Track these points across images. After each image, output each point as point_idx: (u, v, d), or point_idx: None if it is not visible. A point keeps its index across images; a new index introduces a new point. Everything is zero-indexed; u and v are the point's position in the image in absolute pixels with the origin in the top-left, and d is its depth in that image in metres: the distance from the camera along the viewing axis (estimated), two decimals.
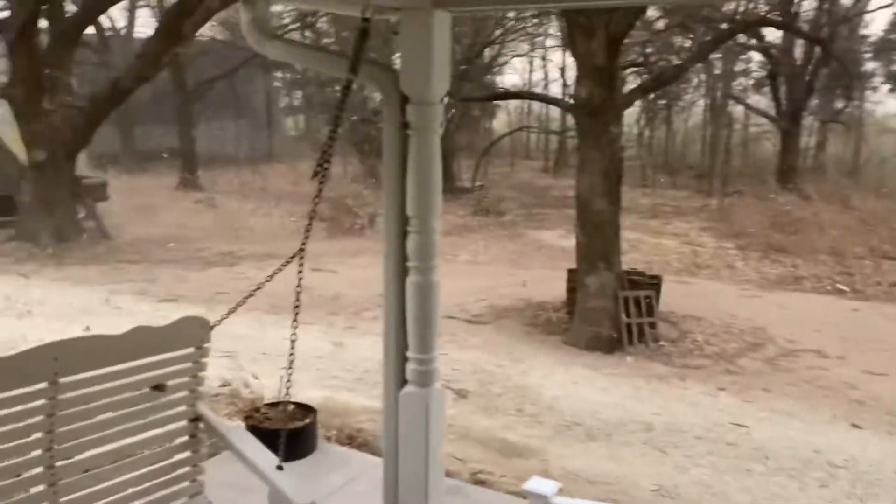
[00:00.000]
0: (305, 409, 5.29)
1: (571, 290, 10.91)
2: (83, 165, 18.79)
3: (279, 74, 31.25)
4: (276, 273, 3.05)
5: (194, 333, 3.04)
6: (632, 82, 17.76)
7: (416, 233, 2.78)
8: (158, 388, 2.93)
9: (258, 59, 22.45)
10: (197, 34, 17.92)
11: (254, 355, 8.07)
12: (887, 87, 25.90)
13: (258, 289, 3.13)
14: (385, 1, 2.40)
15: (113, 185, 20.09)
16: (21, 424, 2.58)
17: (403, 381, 2.93)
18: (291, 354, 2.88)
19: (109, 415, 2.81)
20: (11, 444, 2.56)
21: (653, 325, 10.40)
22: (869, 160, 25.90)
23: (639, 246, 16.44)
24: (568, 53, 22.41)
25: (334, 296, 11.72)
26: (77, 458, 2.74)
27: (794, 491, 6.15)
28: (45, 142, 15.37)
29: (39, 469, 2.64)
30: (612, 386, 8.71)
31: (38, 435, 2.62)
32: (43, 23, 16.31)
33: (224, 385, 6.93)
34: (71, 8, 17.88)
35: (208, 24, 19.28)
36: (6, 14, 16.86)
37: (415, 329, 2.84)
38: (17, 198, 16.06)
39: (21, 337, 8.49)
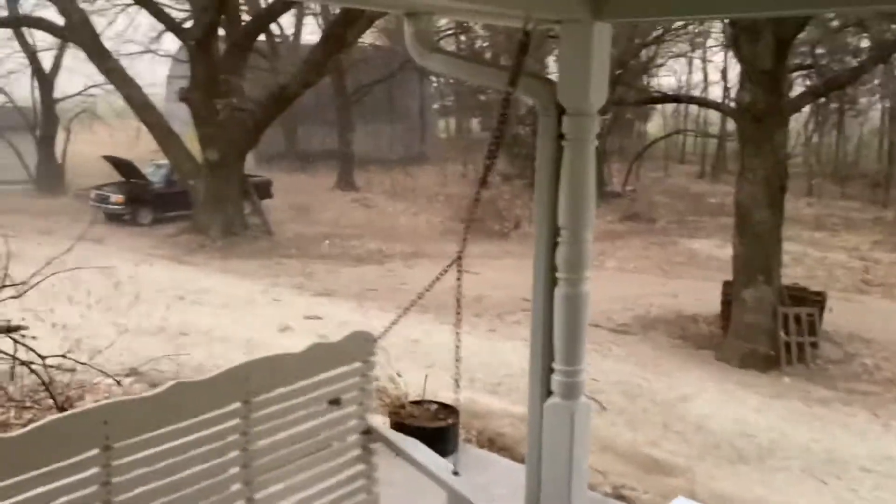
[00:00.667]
0: (448, 410, 5.38)
1: (726, 303, 10.43)
2: (250, 164, 20.09)
3: (434, 79, 31.93)
4: (435, 282, 3.11)
5: (362, 347, 3.09)
6: (800, 85, 16.71)
7: (567, 244, 2.76)
8: (335, 402, 2.97)
9: (414, 63, 23.06)
10: (358, 41, 18.68)
11: (399, 353, 8.30)
12: None
13: (417, 300, 3.18)
14: (545, 14, 2.41)
15: (276, 184, 21.34)
16: (220, 444, 2.65)
17: (549, 392, 2.92)
18: (458, 361, 2.91)
19: (295, 430, 2.86)
20: (208, 465, 2.62)
21: (815, 345, 9.75)
22: None
23: (802, 259, 15.45)
24: (731, 54, 21.41)
25: (477, 297, 11.83)
26: (269, 474, 2.79)
27: None
28: (218, 142, 16.54)
29: (237, 486, 2.70)
30: (766, 407, 8.24)
31: (236, 453, 2.68)
32: (220, 31, 17.56)
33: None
34: (246, 17, 19.16)
35: (369, 31, 20.03)
36: (189, 24, 18.33)
37: (562, 340, 2.83)
38: (191, 193, 17.37)
39: (191, 323, 9.21)
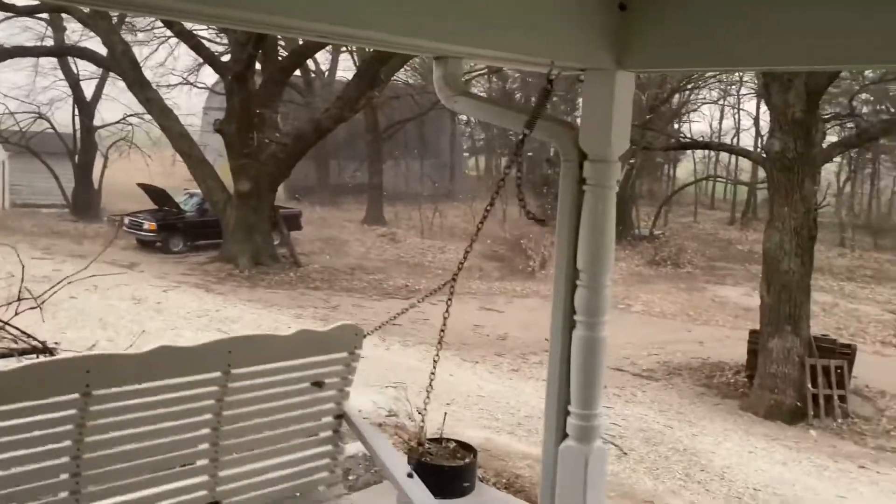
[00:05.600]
0: (466, 448, 5.36)
1: (752, 352, 10.29)
2: (280, 197, 20.35)
3: (464, 118, 32.27)
4: (428, 296, 3.41)
5: (349, 339, 3.33)
6: (833, 134, 16.63)
7: (586, 287, 2.78)
8: (318, 384, 3.24)
9: None
10: (392, 79, 18.96)
11: (420, 389, 8.30)
12: None
13: (410, 308, 3.39)
14: (570, 62, 2.46)
15: (306, 216, 21.58)
16: (194, 406, 2.91)
17: (564, 435, 2.91)
18: (430, 388, 3.14)
19: (272, 404, 3.14)
20: (180, 422, 2.88)
21: (843, 399, 9.55)
22: None
23: (832, 311, 15.21)
24: (762, 102, 21.38)
25: (502, 336, 11.81)
26: (237, 440, 3.07)
27: None
28: (250, 174, 16.82)
29: (205, 445, 2.97)
30: (791, 460, 8.07)
31: (208, 416, 2.95)
32: (257, 65, 17.97)
33: (390, 415, 7.17)
34: (283, 52, 19.59)
35: (402, 70, 20.35)
36: (227, 57, 18.80)
37: (579, 384, 2.83)
38: (223, 223, 17.64)
39: None
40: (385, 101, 24.62)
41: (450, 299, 2.88)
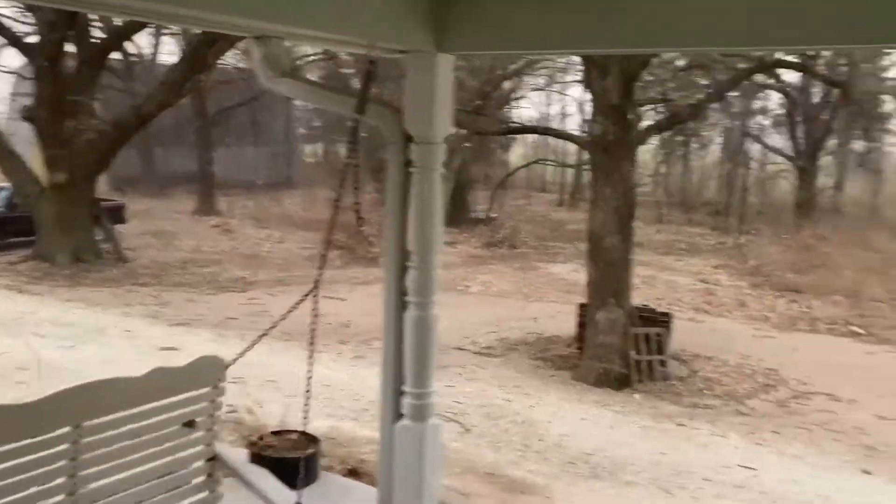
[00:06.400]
0: (309, 439, 5.30)
1: (582, 325, 10.88)
2: (102, 188, 19.05)
3: (299, 102, 31.63)
4: (293, 310, 3.06)
5: (210, 372, 3.05)
6: (650, 119, 17.83)
7: (416, 268, 2.82)
8: (189, 424, 2.93)
9: None
10: (219, 62, 18.23)
11: (261, 382, 8.09)
12: None
13: (272, 328, 3.15)
14: (389, 43, 2.47)
15: (131, 209, 20.34)
16: (43, 470, 2.55)
17: (399, 415, 2.95)
18: (308, 391, 2.89)
19: (135, 455, 2.80)
20: (33, 490, 2.52)
21: (663, 363, 10.34)
22: (887, 201, 25.75)
23: (652, 283, 16.37)
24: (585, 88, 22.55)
25: (345, 323, 11.75)
26: (101, 502, 2.71)
27: None
28: (66, 164, 15.62)
29: None
30: (619, 424, 8.64)
31: (61, 480, 2.59)
32: (69, 47, 16.67)
33: (231, 411, 6.94)
34: (98, 33, 18.27)
35: (231, 52, 19.61)
36: (34, 39, 17.27)
37: (412, 363, 2.87)
38: (36, 218, 16.28)
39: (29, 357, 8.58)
40: (213, 85, 23.65)
41: (315, 306, 2.77)
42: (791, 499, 6.71)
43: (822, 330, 13.86)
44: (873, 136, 25.32)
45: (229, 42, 15.35)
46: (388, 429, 2.94)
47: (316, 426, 6.12)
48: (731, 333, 13.14)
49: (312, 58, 22.80)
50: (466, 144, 20.69)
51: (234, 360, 3.15)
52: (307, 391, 2.89)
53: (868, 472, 7.61)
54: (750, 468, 7.39)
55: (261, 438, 5.39)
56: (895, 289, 15.52)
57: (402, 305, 2.86)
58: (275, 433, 5.54)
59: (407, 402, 2.90)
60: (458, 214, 21.97)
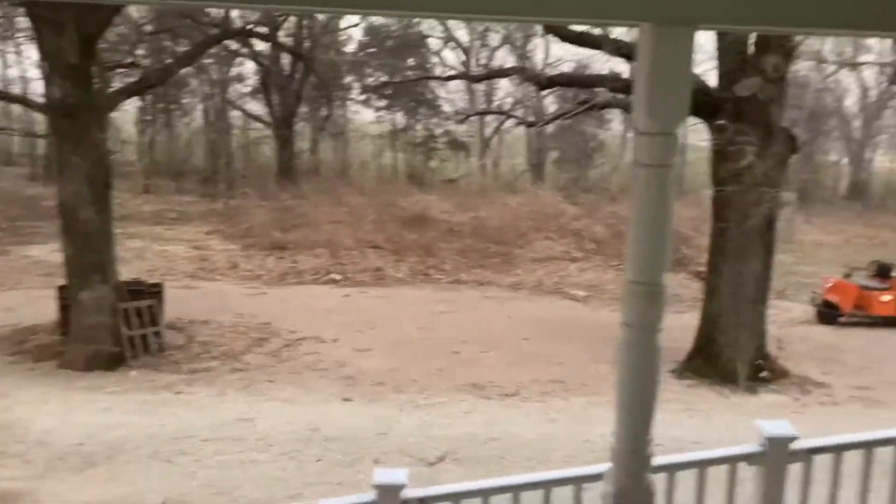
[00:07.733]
0: None
1: (65, 308, 9.99)
2: None
3: None
4: None
5: None
6: (121, 83, 16.91)
7: None
8: None
9: None
10: None
11: None
12: (363, 97, 29.22)
13: None
14: None
15: None
16: None
17: None
18: None
19: None
20: None
21: (158, 334, 10.10)
22: (353, 162, 29.09)
23: (143, 254, 15.80)
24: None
25: None
26: None
27: (294, 471, 6.60)
28: None
29: None
30: (115, 405, 8.22)
31: None
32: None
33: None
34: None
35: None
36: None
37: None
38: None
39: None
40: None
41: None
42: (284, 439, 7.24)
43: (308, 281, 15.14)
44: (335, 103, 28.14)
45: None
46: None
47: None
48: (226, 295, 13.48)
49: None
50: None
51: None
52: None
53: (349, 399, 8.62)
54: (247, 420, 7.75)
55: None
56: (363, 238, 17.68)
57: None
58: None
59: None
60: None
